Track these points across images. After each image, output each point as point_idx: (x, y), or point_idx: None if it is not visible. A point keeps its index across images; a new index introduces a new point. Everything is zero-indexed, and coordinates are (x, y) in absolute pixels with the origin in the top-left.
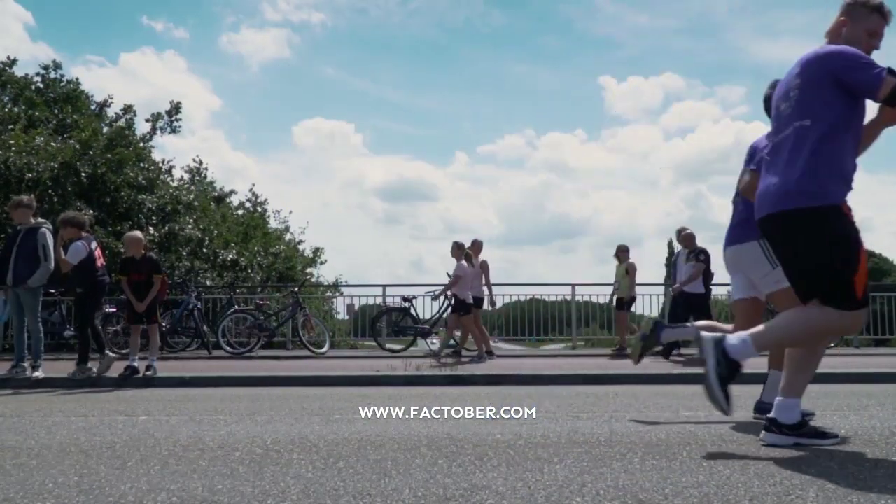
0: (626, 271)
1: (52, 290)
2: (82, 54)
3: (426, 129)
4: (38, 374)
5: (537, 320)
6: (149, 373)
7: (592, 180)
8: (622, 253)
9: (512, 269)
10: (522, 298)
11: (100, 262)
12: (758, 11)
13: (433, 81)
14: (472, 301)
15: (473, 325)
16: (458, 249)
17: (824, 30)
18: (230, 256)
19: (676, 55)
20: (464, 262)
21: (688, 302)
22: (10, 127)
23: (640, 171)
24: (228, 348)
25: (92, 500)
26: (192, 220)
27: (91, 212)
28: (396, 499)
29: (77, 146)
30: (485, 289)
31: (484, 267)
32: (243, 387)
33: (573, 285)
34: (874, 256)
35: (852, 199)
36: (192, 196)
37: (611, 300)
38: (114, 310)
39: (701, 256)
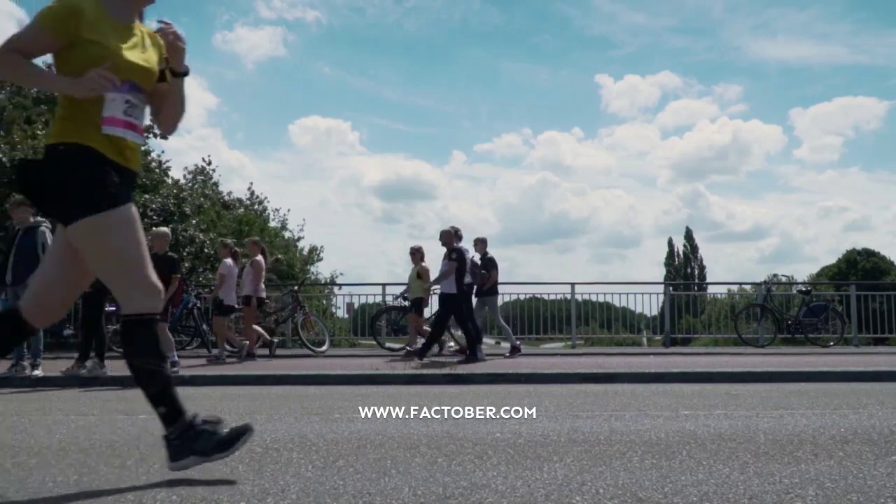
0: (419, 274)
1: None
2: None
3: (423, 127)
4: (38, 372)
5: (536, 319)
6: (174, 369)
7: (590, 179)
8: (415, 254)
9: (511, 267)
10: (522, 297)
11: None
12: (754, 10)
13: (430, 80)
14: (235, 303)
15: (250, 325)
16: (223, 248)
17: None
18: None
19: (673, 53)
20: (229, 261)
21: (442, 301)
22: (14, 125)
23: (637, 170)
24: (228, 347)
25: (91, 499)
26: (194, 221)
27: None
28: (396, 498)
29: None
30: (263, 288)
31: (256, 266)
32: (243, 386)
33: (572, 284)
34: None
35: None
36: (200, 200)
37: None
38: (113, 309)
39: (453, 255)
